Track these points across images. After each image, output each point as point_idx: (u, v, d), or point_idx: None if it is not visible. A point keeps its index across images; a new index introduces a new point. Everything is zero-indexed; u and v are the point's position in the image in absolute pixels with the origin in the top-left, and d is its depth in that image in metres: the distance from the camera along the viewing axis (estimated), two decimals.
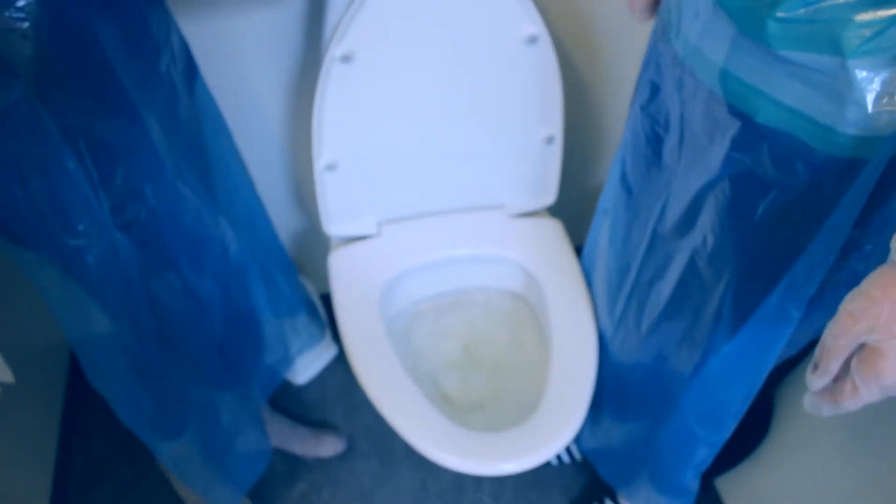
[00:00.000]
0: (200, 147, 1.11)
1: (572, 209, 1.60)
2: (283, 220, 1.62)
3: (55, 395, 1.71)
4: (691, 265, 0.92)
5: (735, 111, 0.72)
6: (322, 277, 1.64)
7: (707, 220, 0.85)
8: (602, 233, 1.21)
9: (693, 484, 1.27)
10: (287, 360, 1.51)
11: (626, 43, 1.38)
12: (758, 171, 0.74)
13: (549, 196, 1.40)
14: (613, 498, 1.53)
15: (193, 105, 1.07)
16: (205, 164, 1.12)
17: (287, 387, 1.78)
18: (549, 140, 1.31)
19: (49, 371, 1.71)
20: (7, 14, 0.72)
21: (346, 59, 1.12)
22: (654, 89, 0.93)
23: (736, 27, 0.67)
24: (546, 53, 1.18)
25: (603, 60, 1.41)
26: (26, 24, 0.73)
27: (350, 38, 1.10)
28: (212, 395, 1.29)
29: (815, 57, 0.62)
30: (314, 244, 1.71)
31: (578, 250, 1.38)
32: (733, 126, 0.73)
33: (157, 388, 1.17)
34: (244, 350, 1.37)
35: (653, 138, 0.96)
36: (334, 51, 1.10)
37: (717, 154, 0.78)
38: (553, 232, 1.40)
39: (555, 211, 1.46)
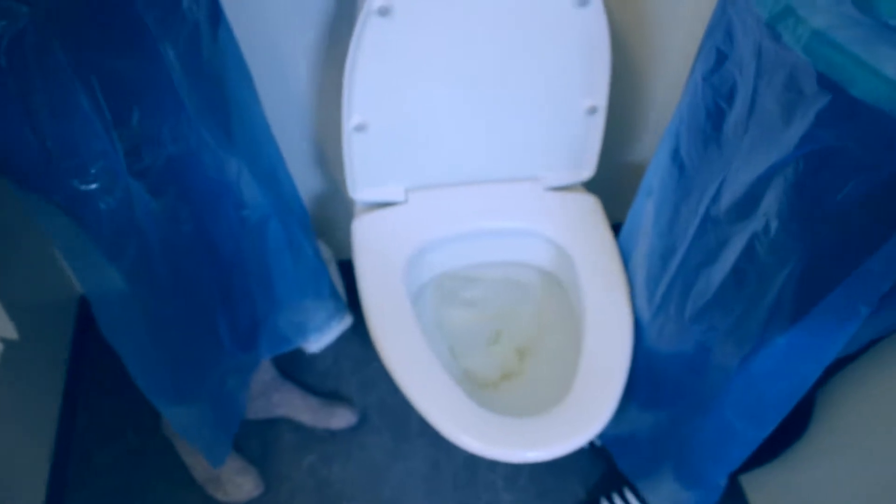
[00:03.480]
0: (223, 95, 1.04)
1: (609, 186, 1.54)
2: (303, 180, 1.55)
3: (60, 354, 1.66)
4: (749, 251, 0.85)
5: (826, 82, 0.65)
6: (341, 244, 1.58)
7: (773, 202, 0.79)
8: (645, 212, 1.14)
9: (722, 480, 1.21)
10: (304, 330, 1.45)
11: (677, 9, 1.31)
12: (843, 151, 0.67)
13: (588, 170, 1.34)
14: (633, 488, 1.48)
15: (217, 50, 1.00)
16: (227, 112, 1.05)
17: (299, 355, 1.73)
18: (592, 111, 1.24)
19: (54, 329, 1.66)
20: None
21: (383, 11, 1.05)
22: (720, 58, 0.86)
23: None
24: (597, 17, 1.11)
25: (650, 27, 1.35)
26: None
27: None
28: (221, 355, 1.24)
29: None
30: (335, 208, 1.65)
31: (614, 229, 1.31)
32: (822, 99, 0.66)
33: (170, 346, 1.13)
34: (258, 308, 1.31)
35: (714, 111, 0.89)
36: (372, 2, 1.03)
37: (795, 130, 0.71)
38: (590, 208, 1.33)
39: (591, 187, 1.39)
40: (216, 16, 0.99)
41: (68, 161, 0.82)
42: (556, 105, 1.23)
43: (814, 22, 0.64)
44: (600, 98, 1.22)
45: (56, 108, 0.77)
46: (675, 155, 1.01)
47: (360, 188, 1.29)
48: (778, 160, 0.75)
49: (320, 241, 1.64)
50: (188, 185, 1.00)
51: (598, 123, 1.26)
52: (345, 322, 1.69)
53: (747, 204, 0.83)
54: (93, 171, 0.83)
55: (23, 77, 0.73)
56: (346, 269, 1.39)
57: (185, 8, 0.89)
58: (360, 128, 1.19)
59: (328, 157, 1.52)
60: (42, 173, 0.82)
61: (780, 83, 0.72)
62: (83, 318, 1.76)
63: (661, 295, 1.09)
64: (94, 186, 0.84)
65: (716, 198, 0.90)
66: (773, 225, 0.79)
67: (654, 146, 1.41)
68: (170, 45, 0.87)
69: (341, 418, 1.61)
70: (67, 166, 0.82)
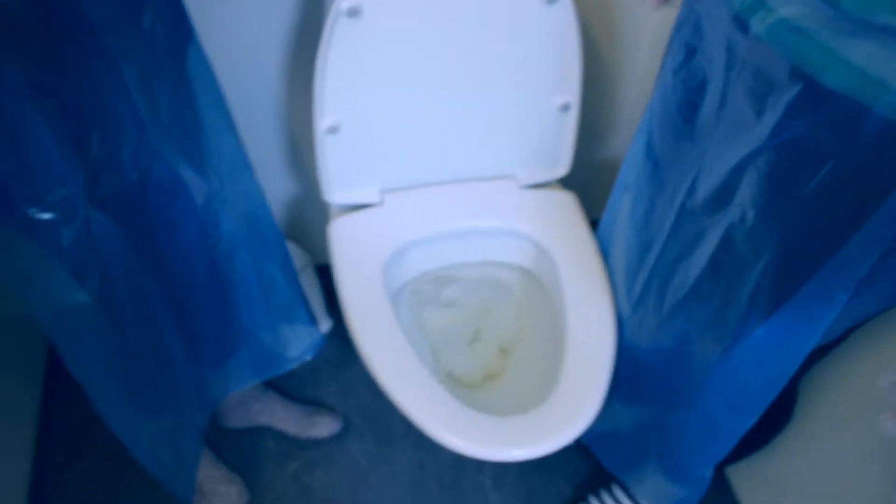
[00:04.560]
0: (195, 118, 1.00)
1: (585, 182, 1.54)
2: (278, 184, 1.55)
3: (35, 365, 1.64)
4: (725, 242, 0.85)
5: (796, 72, 0.65)
6: (318, 247, 1.57)
7: (747, 193, 0.79)
8: (622, 208, 1.14)
9: (708, 472, 1.21)
10: (279, 361, 1.40)
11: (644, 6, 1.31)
12: (813, 139, 0.68)
13: (563, 167, 1.33)
14: (622, 484, 1.47)
15: (185, 69, 0.96)
16: (197, 137, 1.01)
17: None
18: (565, 108, 1.24)
19: (29, 339, 1.63)
20: None
21: (353, 12, 1.04)
22: (689, 52, 0.87)
23: None
24: (566, 14, 1.11)
25: (619, 24, 1.35)
26: None
27: None
28: (180, 382, 1.20)
29: (892, 18, 0.55)
30: (311, 212, 1.64)
31: (591, 225, 1.31)
32: (792, 88, 0.66)
33: (133, 375, 1.08)
34: (226, 337, 1.28)
35: (685, 105, 0.89)
36: (340, 3, 1.03)
37: (766, 121, 0.71)
38: (567, 205, 1.33)
39: (567, 183, 1.39)
40: (185, 33, 0.95)
41: (21, 188, 0.77)
42: (528, 103, 1.23)
43: (784, 12, 0.64)
44: (573, 95, 1.22)
45: (8, 130, 0.73)
46: (649, 149, 1.01)
47: (335, 191, 1.28)
48: (751, 151, 0.75)
49: (296, 245, 1.63)
50: (149, 212, 0.97)
51: (572, 120, 1.26)
52: (323, 326, 1.67)
53: (722, 195, 0.83)
54: (49, 198, 0.79)
55: None
56: (323, 272, 1.38)
57: (146, 27, 0.86)
58: (333, 130, 1.18)
59: (302, 160, 1.51)
60: None
61: (750, 75, 0.72)
62: None
63: (640, 289, 1.09)
64: (49, 216, 0.79)
65: (691, 190, 0.90)
66: (749, 215, 0.79)
67: (628, 141, 1.41)
68: (130, 67, 0.83)
69: (324, 427, 1.60)
70: (20, 193, 0.77)
